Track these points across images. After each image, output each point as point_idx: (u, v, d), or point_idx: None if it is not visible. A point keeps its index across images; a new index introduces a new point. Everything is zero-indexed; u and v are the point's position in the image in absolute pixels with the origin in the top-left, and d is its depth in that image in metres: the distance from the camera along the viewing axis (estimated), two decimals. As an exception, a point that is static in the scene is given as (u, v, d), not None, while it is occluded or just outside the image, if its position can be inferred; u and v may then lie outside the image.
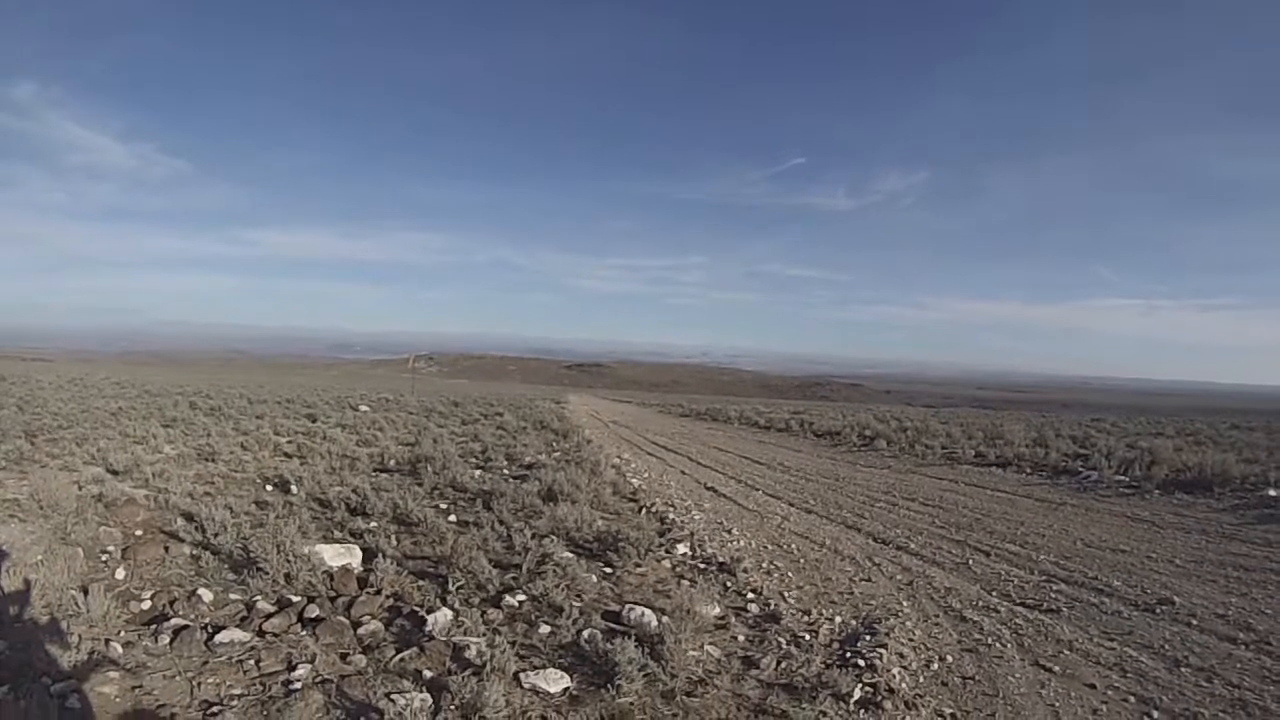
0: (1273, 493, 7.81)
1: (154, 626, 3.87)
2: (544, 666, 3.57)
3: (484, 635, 3.84)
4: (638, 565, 5.47)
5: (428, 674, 3.45)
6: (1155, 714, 3.25)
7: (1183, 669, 3.73)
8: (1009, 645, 4.09)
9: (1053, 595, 5.00)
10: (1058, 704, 3.36)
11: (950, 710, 3.31)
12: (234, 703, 3.15)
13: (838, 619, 4.54)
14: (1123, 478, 9.54)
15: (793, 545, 6.46)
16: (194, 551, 5.11)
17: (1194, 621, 4.41)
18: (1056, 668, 3.76)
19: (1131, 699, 3.40)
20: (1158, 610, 4.63)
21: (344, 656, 3.65)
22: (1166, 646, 4.03)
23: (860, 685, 3.50)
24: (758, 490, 9.58)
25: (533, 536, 5.62)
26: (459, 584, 4.58)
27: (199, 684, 3.30)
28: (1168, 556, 5.94)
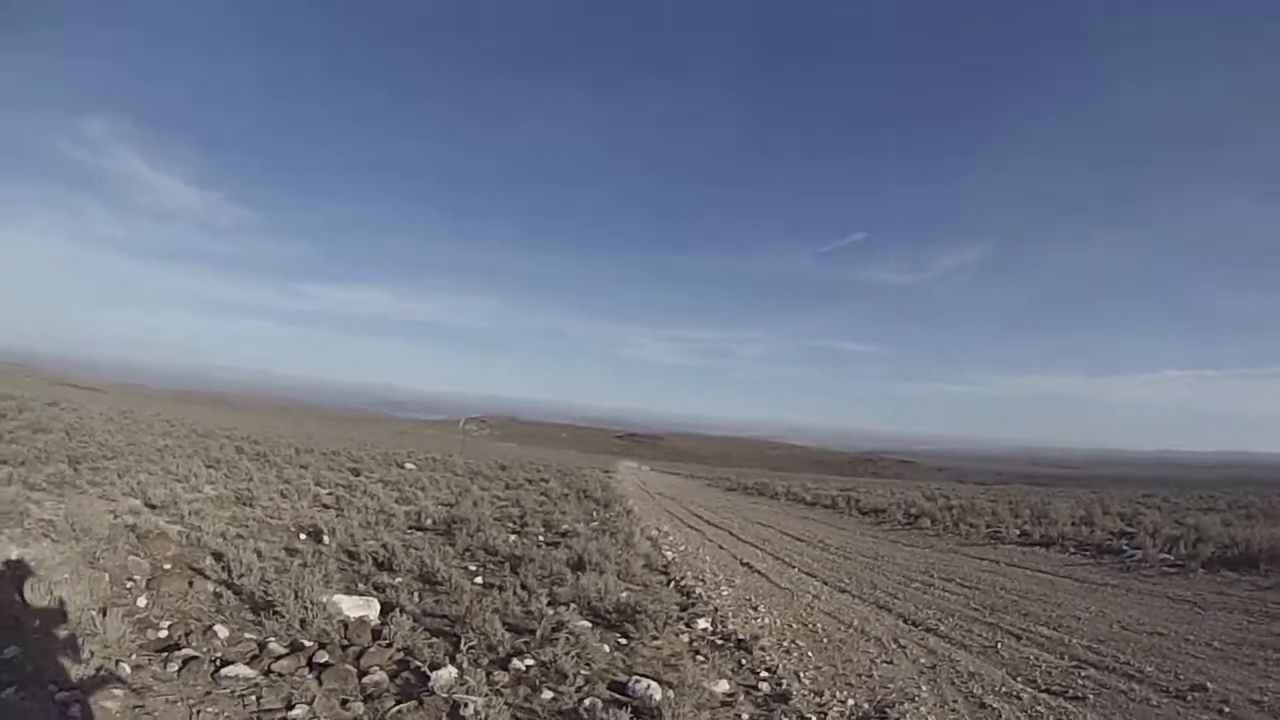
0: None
1: (165, 654, 4.12)
2: (540, 732, 3.65)
3: (485, 695, 3.93)
4: (654, 638, 5.51)
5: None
6: (1170, 805, 3.16)
7: (1207, 760, 3.60)
8: (1026, 732, 4.00)
9: (1080, 681, 4.85)
10: (1068, 793, 3.29)
11: (955, 798, 3.26)
12: (228, 732, 3.32)
13: (850, 701, 4.50)
14: (1167, 556, 9.14)
15: (819, 624, 6.39)
16: (217, 589, 5.36)
17: (1226, 708, 4.25)
18: (1073, 756, 3.67)
19: (1149, 790, 3.30)
20: (1189, 697, 4.47)
21: (344, 702, 3.81)
22: (1193, 736, 3.89)
23: (864, 770, 3.48)
24: (793, 567, 9.49)
25: (549, 603, 5.73)
26: (471, 644, 4.69)
27: (199, 711, 3.50)
28: (1206, 639, 5.70)
